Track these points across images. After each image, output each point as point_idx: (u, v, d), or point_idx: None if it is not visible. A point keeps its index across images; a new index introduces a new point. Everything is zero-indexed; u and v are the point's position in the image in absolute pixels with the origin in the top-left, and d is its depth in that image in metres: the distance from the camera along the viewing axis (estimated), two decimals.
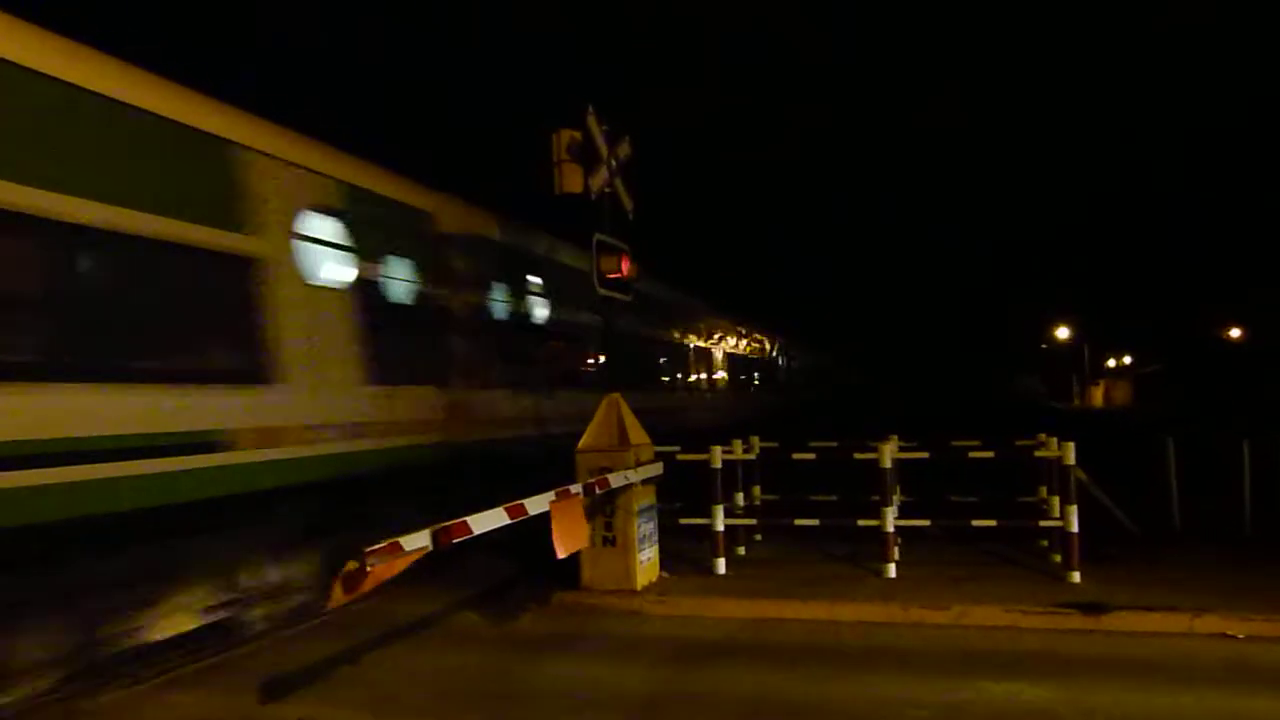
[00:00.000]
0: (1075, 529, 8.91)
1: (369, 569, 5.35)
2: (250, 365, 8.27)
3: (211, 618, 7.86)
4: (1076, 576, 8.79)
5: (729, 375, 28.05)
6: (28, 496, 6.15)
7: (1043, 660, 6.93)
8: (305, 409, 8.79)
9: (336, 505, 8.99)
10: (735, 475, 11.25)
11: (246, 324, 8.28)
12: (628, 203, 10.68)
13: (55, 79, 6.71)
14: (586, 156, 9.84)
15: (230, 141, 8.31)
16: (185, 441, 7.39)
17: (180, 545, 7.48)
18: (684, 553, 10.24)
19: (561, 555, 7.65)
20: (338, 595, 5.43)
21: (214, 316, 8.12)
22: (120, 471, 6.77)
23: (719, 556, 9.77)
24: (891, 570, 9.27)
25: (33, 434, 6.23)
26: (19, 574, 6.27)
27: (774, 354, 36.65)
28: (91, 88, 7.00)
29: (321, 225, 9.33)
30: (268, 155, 8.67)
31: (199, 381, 7.71)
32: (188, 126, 7.86)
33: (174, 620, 7.52)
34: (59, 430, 6.41)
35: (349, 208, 9.78)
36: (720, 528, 9.80)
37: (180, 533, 7.39)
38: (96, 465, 6.60)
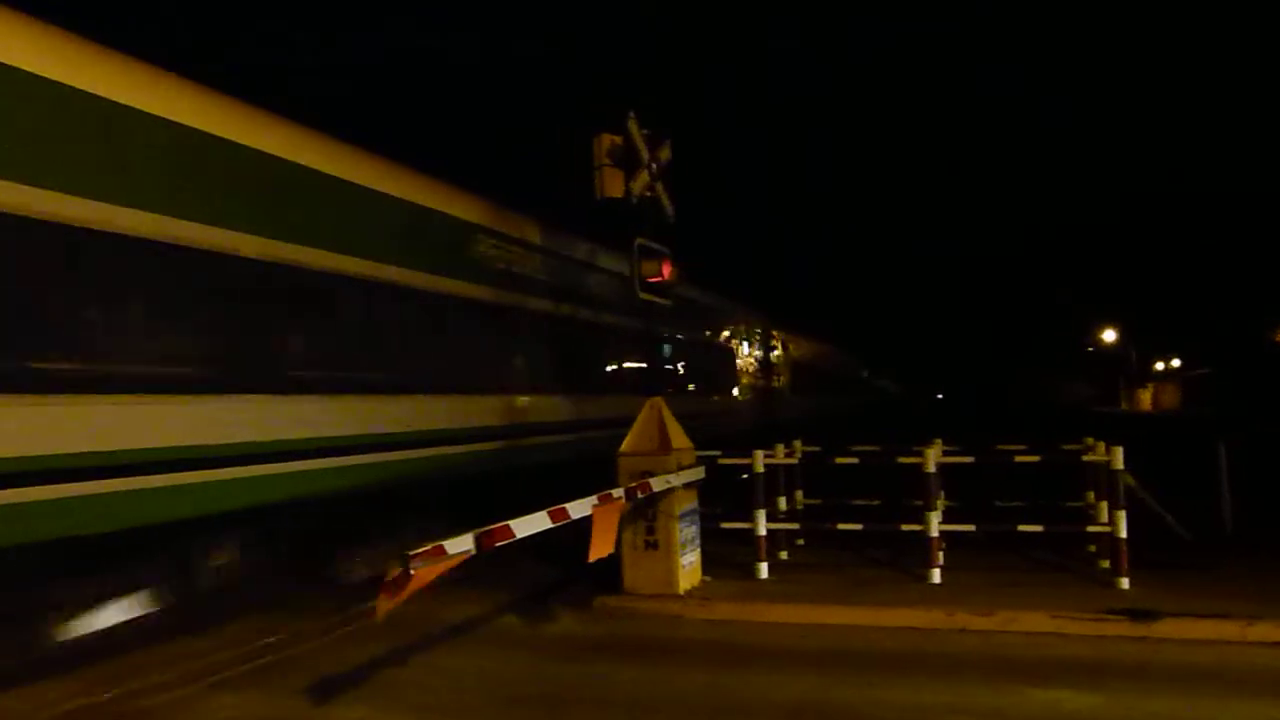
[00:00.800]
0: (1124, 534, 8.78)
1: (413, 572, 5.41)
2: None
3: None
4: (1125, 583, 8.66)
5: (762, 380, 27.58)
6: None
7: (1089, 668, 6.84)
8: None
9: None
10: (777, 480, 11.22)
11: None
12: (669, 206, 10.70)
13: None
14: (627, 160, 9.88)
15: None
16: None
17: None
18: (726, 557, 10.21)
19: (592, 559, 7.65)
20: (384, 604, 5.50)
21: None
22: None
23: (761, 561, 9.75)
24: (936, 575, 9.20)
25: None
26: None
27: (812, 359, 35.95)
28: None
29: None
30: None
31: None
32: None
33: None
34: None
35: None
36: (763, 532, 9.77)
37: None
38: None
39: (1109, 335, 75.22)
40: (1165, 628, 7.52)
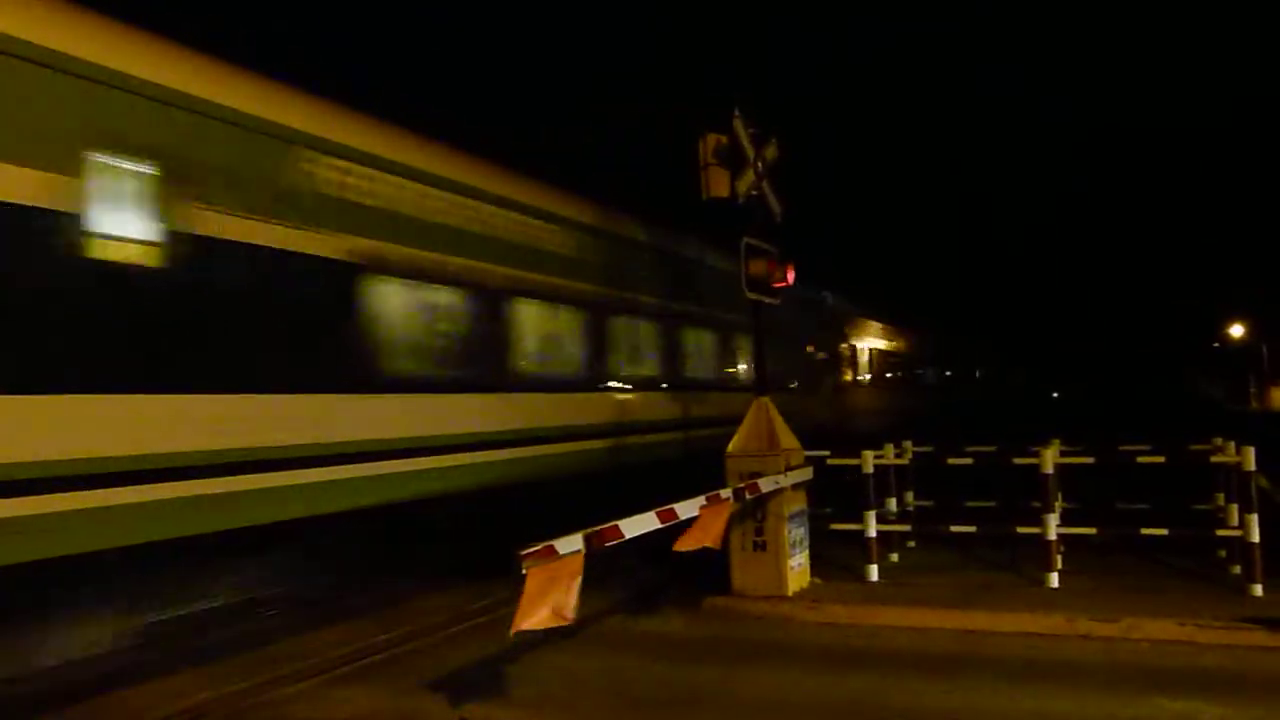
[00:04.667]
0: (1256, 538, 8.38)
1: (525, 571, 5.48)
2: None
3: None
4: (1258, 589, 8.27)
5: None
6: None
7: (1222, 678, 6.55)
8: None
9: None
10: (887, 480, 11.03)
11: None
12: (776, 205, 10.61)
13: None
14: (733, 159, 9.83)
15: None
16: None
17: None
18: (836, 559, 10.09)
19: (678, 547, 7.38)
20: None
21: None
22: None
23: (872, 563, 9.59)
24: (1054, 579, 8.92)
25: None
26: None
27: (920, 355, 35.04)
28: None
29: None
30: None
31: None
32: None
33: None
34: None
35: None
36: (873, 534, 9.62)
37: None
38: None
39: (1237, 330, 72.09)
40: None
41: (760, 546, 9.17)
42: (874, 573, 9.57)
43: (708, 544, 7.69)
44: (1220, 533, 9.39)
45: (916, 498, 11.83)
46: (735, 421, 9.75)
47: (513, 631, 5.62)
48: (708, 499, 7.64)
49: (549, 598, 5.66)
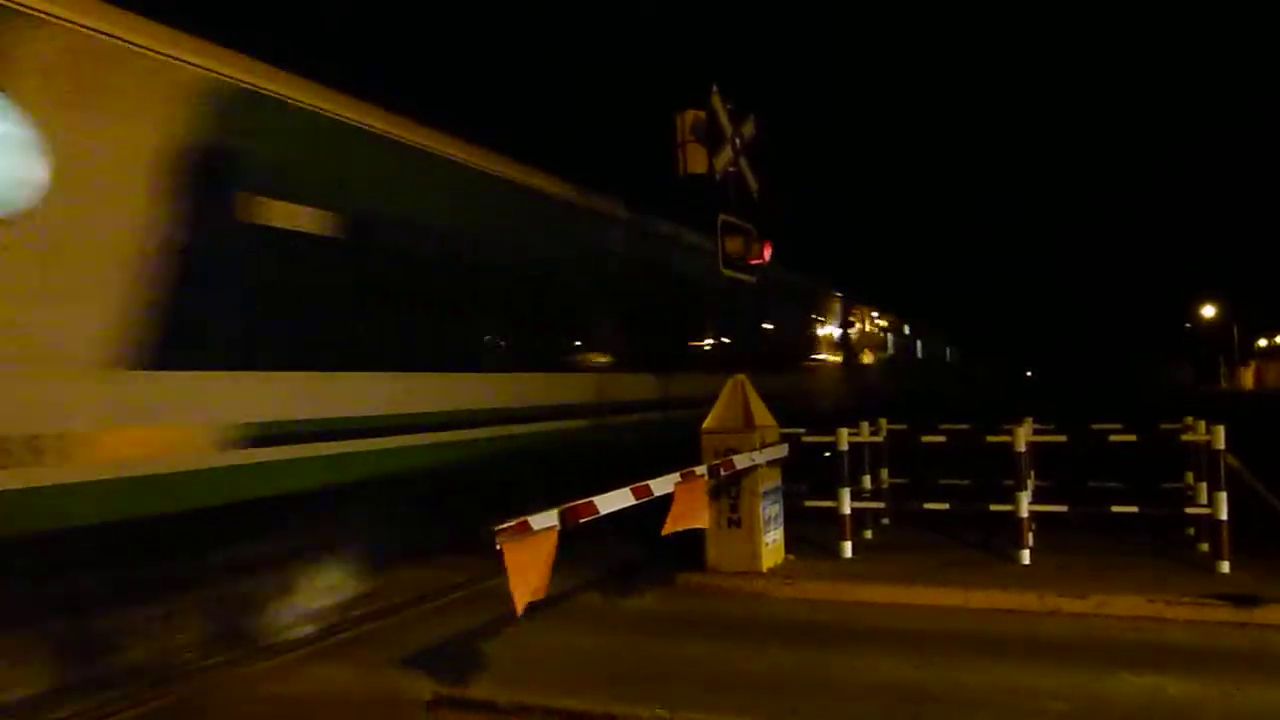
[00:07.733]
0: (1224, 516, 8.47)
1: (498, 547, 5.45)
2: None
3: None
4: (1226, 567, 8.37)
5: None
6: None
7: (1189, 654, 6.64)
8: None
9: None
10: (862, 458, 11.08)
11: None
12: (753, 183, 10.59)
13: None
14: (710, 136, 9.79)
15: None
16: None
17: None
18: (810, 536, 10.14)
19: (666, 531, 7.49)
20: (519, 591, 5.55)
21: None
22: None
23: (846, 540, 9.65)
24: (1026, 557, 9.00)
25: None
26: None
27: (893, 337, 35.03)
28: None
29: None
30: None
31: None
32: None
33: None
34: None
35: None
36: (847, 511, 9.67)
37: None
38: None
39: (1208, 311, 72.84)
40: (1269, 614, 7.25)
41: (735, 523, 9.19)
42: (848, 549, 9.63)
43: (696, 524, 7.73)
44: (1189, 510, 9.49)
45: (891, 476, 11.89)
46: None
47: (519, 612, 5.58)
48: (683, 475, 7.64)
49: (533, 573, 5.66)
